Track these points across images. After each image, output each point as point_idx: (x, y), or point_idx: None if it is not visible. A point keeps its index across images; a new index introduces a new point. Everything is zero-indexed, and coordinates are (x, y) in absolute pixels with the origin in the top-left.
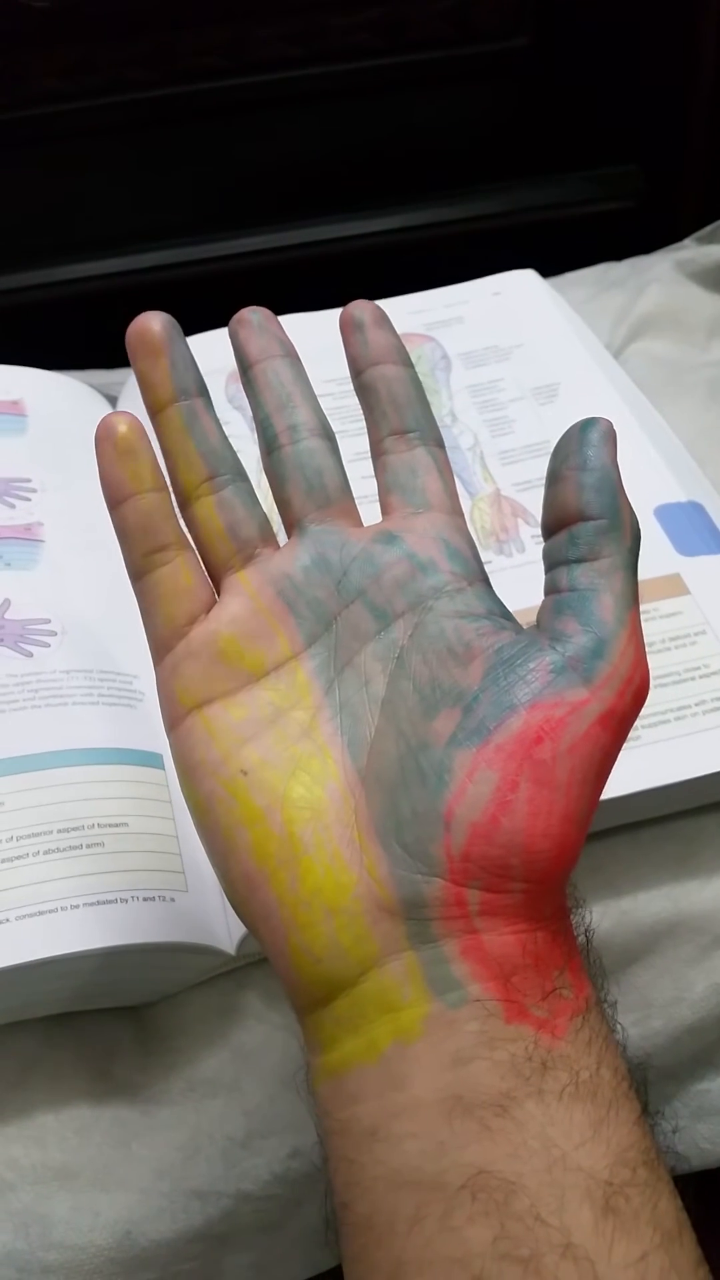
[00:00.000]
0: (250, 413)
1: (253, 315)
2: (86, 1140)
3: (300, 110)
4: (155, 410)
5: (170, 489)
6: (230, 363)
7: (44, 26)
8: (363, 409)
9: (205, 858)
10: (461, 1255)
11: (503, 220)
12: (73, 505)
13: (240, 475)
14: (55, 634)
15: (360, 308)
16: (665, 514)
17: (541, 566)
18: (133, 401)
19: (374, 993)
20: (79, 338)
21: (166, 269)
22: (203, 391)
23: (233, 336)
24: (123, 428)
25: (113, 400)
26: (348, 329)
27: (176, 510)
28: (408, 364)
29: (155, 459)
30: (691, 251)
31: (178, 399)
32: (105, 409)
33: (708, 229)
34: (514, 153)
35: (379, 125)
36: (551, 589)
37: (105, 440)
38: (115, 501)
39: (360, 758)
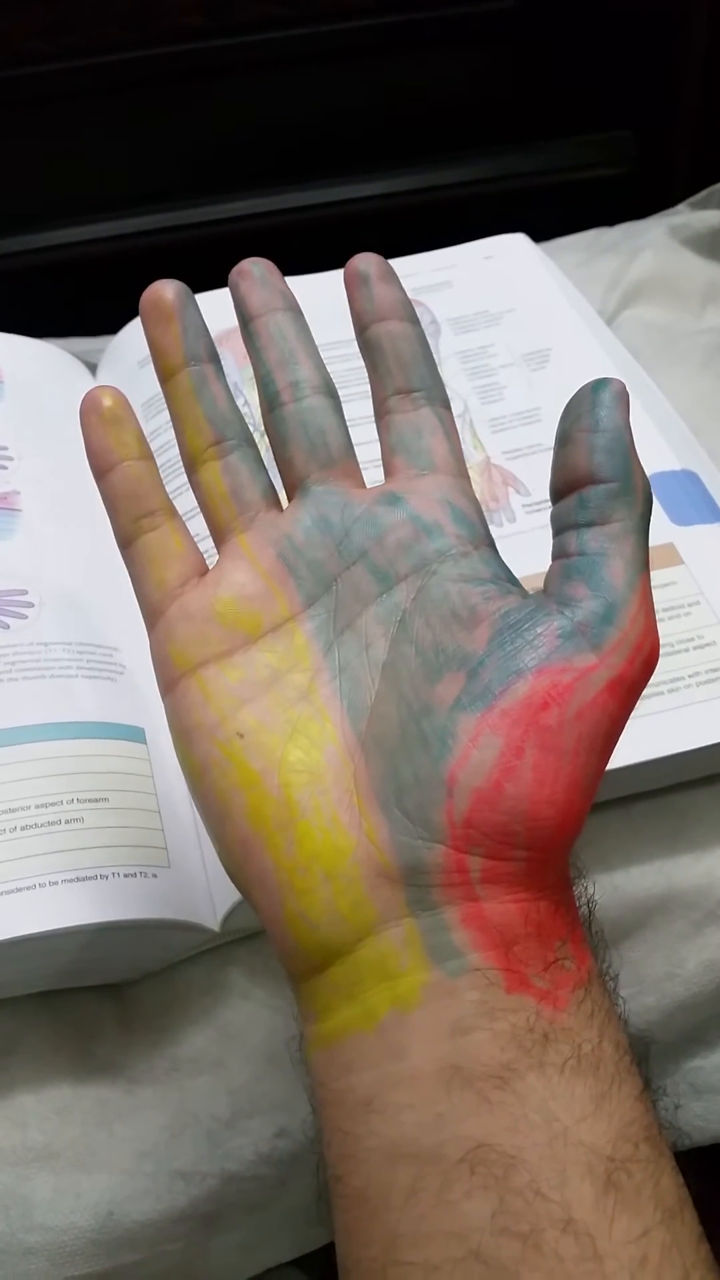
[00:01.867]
0: (230, 378)
1: (254, 267)
2: (68, 1121)
3: (287, 72)
4: (166, 376)
5: (178, 457)
6: (217, 325)
7: None
8: (366, 366)
9: (188, 834)
10: (459, 1229)
11: (494, 185)
12: (51, 475)
13: (247, 441)
14: (33, 605)
15: (365, 260)
16: (660, 483)
17: (531, 536)
18: (113, 369)
19: (371, 960)
20: (59, 304)
21: (149, 234)
22: (213, 358)
23: (233, 289)
24: (108, 400)
25: (92, 368)
26: (353, 283)
27: (184, 485)
28: (414, 320)
29: (140, 430)
30: (685, 217)
31: (188, 364)
32: (85, 377)
33: (701, 194)
34: (506, 117)
35: (368, 88)
36: (560, 553)
37: (91, 412)
38: (102, 470)
39: (360, 722)
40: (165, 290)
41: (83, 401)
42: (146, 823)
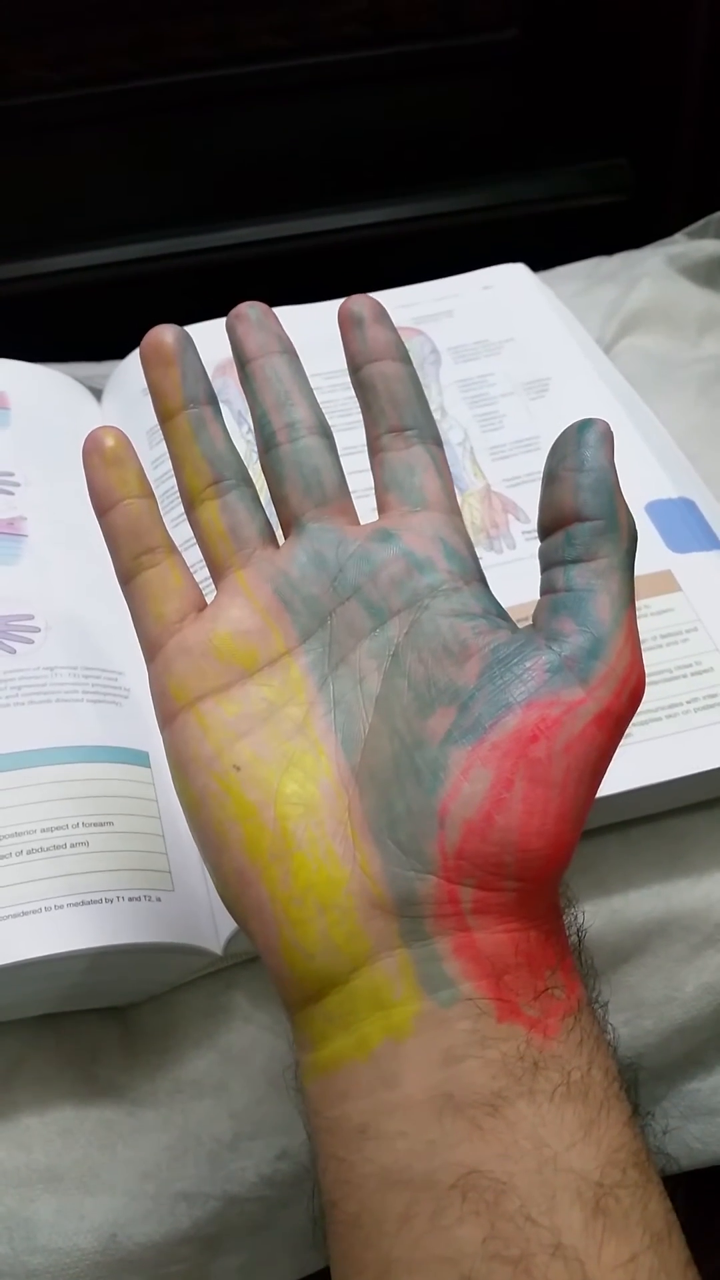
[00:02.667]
0: (234, 406)
1: (250, 311)
2: (71, 1142)
3: (288, 102)
4: (165, 417)
5: (178, 494)
6: (216, 356)
7: (29, 16)
8: (360, 405)
9: (191, 857)
10: (451, 1255)
11: (492, 214)
12: (56, 500)
13: (245, 480)
14: (39, 630)
15: (359, 303)
16: (657, 510)
17: (532, 563)
18: (117, 395)
19: (365, 990)
20: (64, 330)
21: (152, 260)
22: (211, 400)
23: (230, 332)
24: (110, 440)
25: (97, 393)
26: (346, 325)
27: (184, 513)
28: (406, 361)
29: (141, 469)
30: (682, 246)
31: (187, 407)
32: (89, 402)
33: (698, 224)
34: (504, 146)
35: (367, 117)
36: (548, 589)
37: (93, 452)
38: (104, 508)
39: (354, 754)
40: (165, 335)
41: (86, 441)
42: (150, 846)
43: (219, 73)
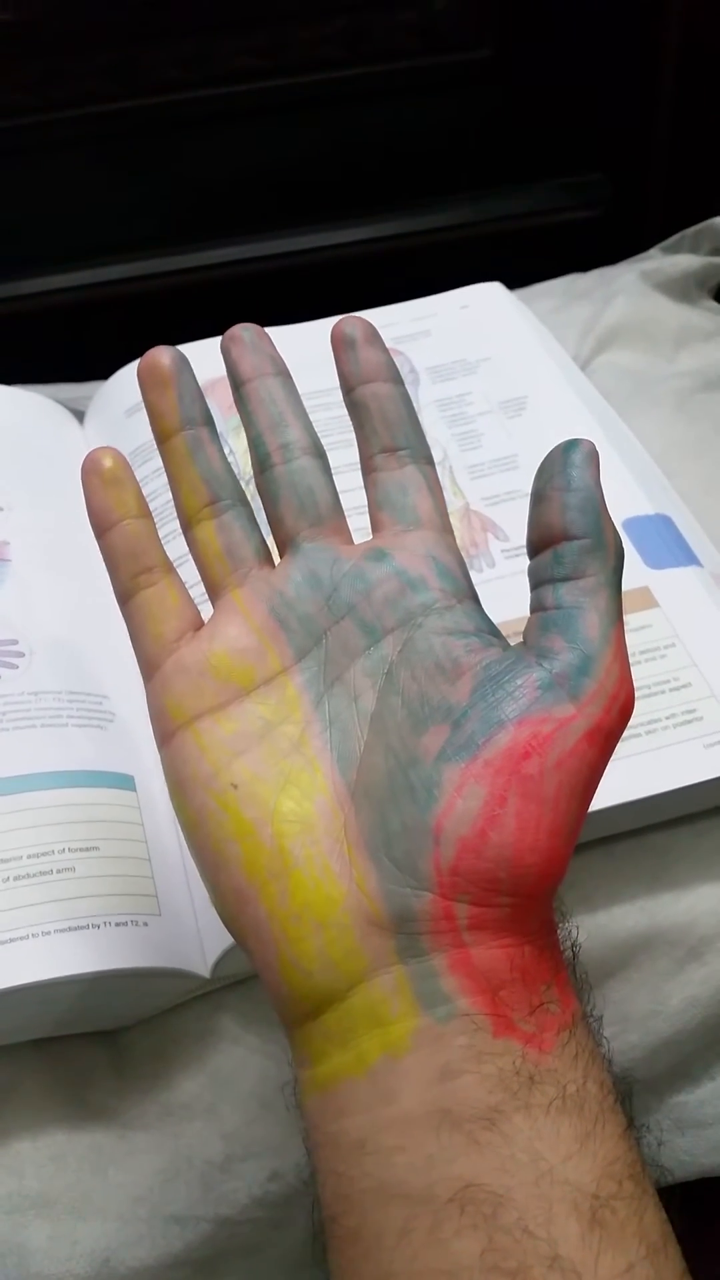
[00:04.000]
0: (220, 422)
1: (245, 333)
2: (63, 1167)
3: (266, 122)
4: (162, 438)
5: (175, 514)
6: (203, 375)
7: (6, 39)
8: (354, 426)
9: (177, 881)
10: (450, 1267)
11: (469, 230)
12: (39, 524)
13: (241, 501)
14: (23, 655)
15: (352, 324)
16: (634, 527)
17: (511, 581)
18: (101, 416)
19: (363, 1006)
20: (44, 352)
21: (132, 282)
22: (208, 421)
23: (225, 354)
24: (109, 461)
25: (79, 415)
26: (339, 346)
27: (180, 532)
28: (398, 381)
29: (139, 489)
30: (657, 262)
31: (184, 428)
32: (72, 425)
33: (672, 239)
34: (479, 163)
35: (344, 137)
36: (537, 606)
37: (92, 473)
38: (102, 528)
39: (349, 772)
40: (162, 357)
41: (84, 462)
42: (137, 871)
43: (198, 94)
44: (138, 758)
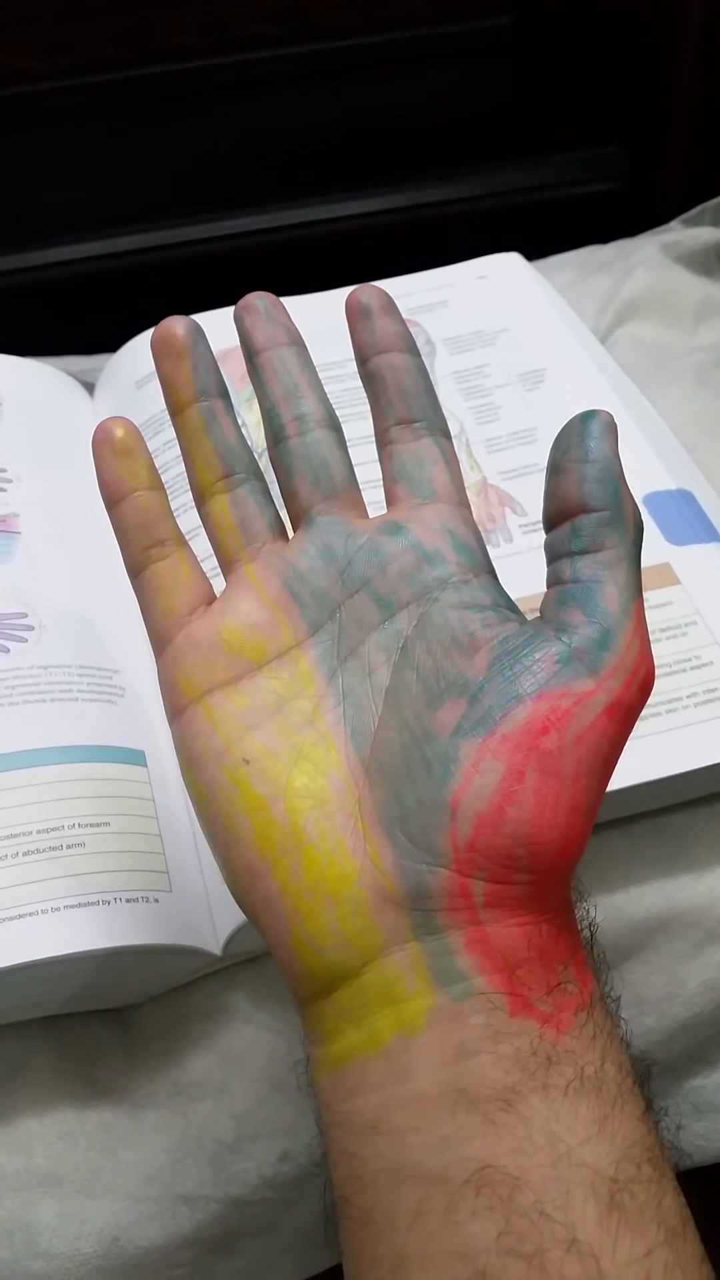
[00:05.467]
0: (231, 393)
1: (259, 301)
2: (72, 1146)
3: (280, 91)
4: (176, 410)
5: (179, 476)
6: (214, 345)
7: (15, 4)
8: (368, 397)
9: (189, 857)
10: (465, 1250)
11: (485, 202)
12: (49, 496)
13: (255, 474)
14: (32, 629)
15: (367, 294)
16: (655, 502)
17: (529, 556)
18: (111, 389)
19: (377, 984)
20: (54, 323)
21: (143, 253)
22: (222, 393)
23: (238, 323)
24: (120, 431)
25: (89, 387)
26: (354, 316)
27: (194, 507)
28: (414, 352)
29: (151, 460)
30: (677, 234)
31: (198, 400)
32: (82, 397)
33: (693, 211)
34: (497, 134)
35: (359, 106)
36: (555, 580)
37: (103, 443)
38: (113, 500)
39: (363, 747)
40: (176, 327)
41: (95, 432)
42: (148, 846)
43: (209, 62)
44: (149, 733)
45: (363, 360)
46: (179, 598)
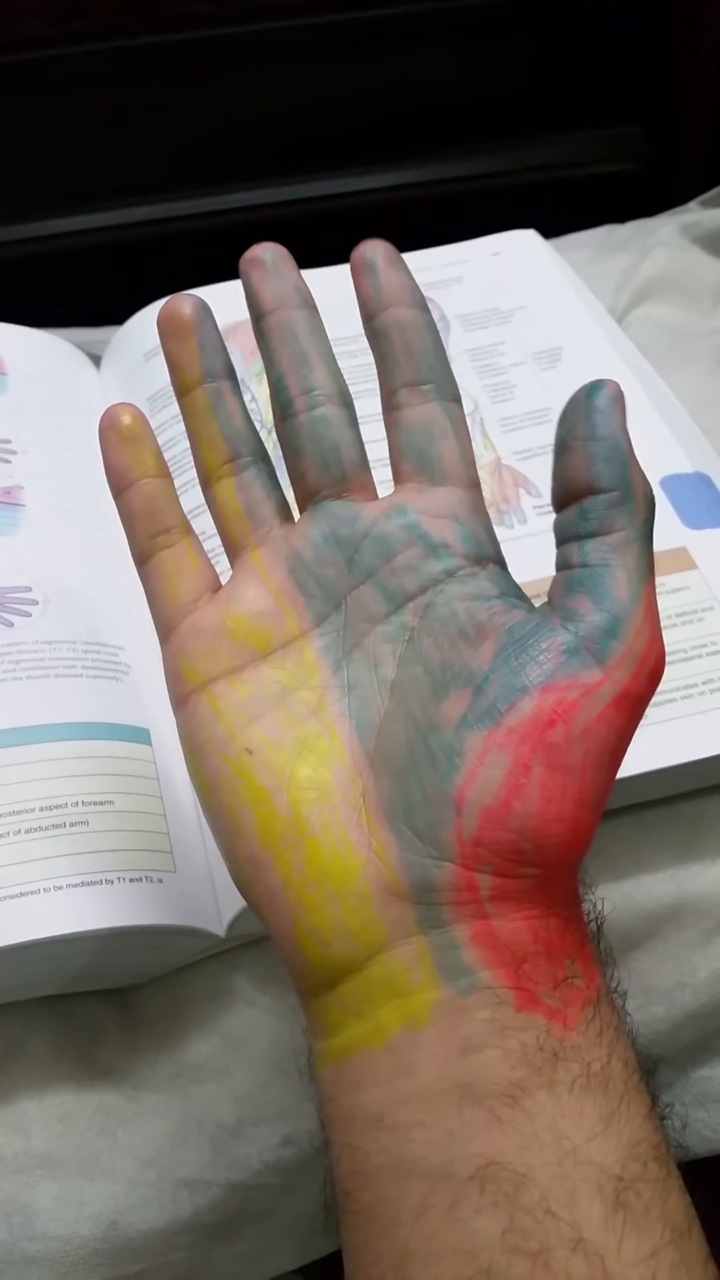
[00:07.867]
0: (241, 368)
1: (266, 254)
2: (71, 1128)
3: (294, 63)
4: (182, 391)
5: (194, 472)
6: (223, 319)
7: None
8: (375, 357)
9: (193, 838)
10: (469, 1247)
11: (502, 180)
12: (55, 468)
13: (262, 457)
14: (37, 603)
15: (372, 246)
16: (671, 485)
17: (544, 538)
18: (117, 361)
19: (382, 977)
20: (61, 294)
21: (152, 224)
22: (229, 374)
23: (245, 278)
24: (126, 418)
25: (96, 359)
26: (359, 269)
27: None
28: (423, 308)
29: (158, 447)
30: (696, 215)
31: (204, 381)
32: (89, 369)
33: (712, 192)
34: (514, 110)
35: (376, 79)
36: (563, 565)
37: (110, 430)
38: (120, 488)
39: (368, 740)
40: (183, 305)
41: (102, 419)
42: (152, 826)
43: (224, 31)
44: (153, 711)
45: (368, 316)
46: (184, 585)
